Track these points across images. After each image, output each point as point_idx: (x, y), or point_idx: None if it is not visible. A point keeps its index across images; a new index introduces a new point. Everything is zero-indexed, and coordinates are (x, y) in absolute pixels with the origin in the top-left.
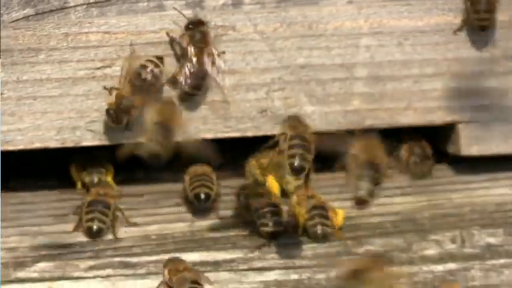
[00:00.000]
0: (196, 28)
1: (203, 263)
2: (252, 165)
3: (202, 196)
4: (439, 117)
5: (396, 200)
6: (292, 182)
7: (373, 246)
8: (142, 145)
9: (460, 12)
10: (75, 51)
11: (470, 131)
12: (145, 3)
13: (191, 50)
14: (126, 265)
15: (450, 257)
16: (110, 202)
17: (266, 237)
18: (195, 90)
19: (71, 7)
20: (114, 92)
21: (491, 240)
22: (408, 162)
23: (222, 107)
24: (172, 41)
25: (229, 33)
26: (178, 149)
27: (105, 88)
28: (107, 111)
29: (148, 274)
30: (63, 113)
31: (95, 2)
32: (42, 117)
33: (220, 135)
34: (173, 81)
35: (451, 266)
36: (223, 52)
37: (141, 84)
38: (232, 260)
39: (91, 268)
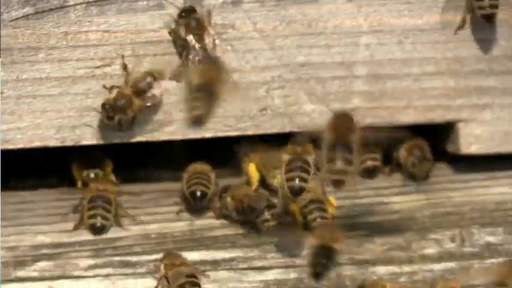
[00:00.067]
0: (189, 16)
1: (203, 262)
2: (249, 164)
3: (198, 194)
4: (439, 116)
5: (396, 199)
6: (277, 177)
7: (373, 245)
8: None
9: (460, 11)
10: (75, 50)
11: (470, 130)
12: (145, 2)
13: (191, 38)
14: (126, 264)
15: (450, 256)
16: (111, 197)
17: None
18: None
19: (70, 6)
20: (115, 90)
21: (491, 239)
22: (407, 163)
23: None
24: (173, 35)
25: (228, 32)
26: None
27: (104, 87)
28: (103, 105)
29: (148, 273)
30: (63, 112)
31: (95, 1)
32: (42, 116)
33: (220, 134)
34: (179, 75)
35: (451, 265)
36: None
37: (142, 91)
38: (231, 259)
39: (91, 267)
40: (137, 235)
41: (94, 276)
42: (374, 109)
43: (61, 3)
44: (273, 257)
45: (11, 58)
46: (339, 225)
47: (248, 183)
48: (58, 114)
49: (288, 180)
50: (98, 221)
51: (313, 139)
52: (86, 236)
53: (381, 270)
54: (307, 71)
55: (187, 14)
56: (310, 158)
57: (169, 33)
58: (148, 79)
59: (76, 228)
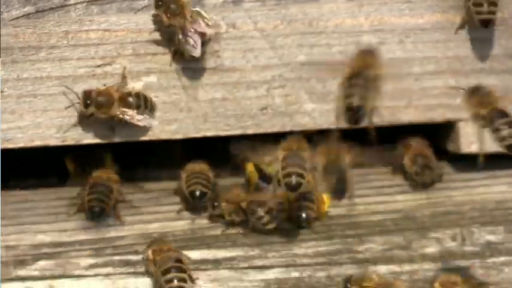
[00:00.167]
0: (166, 1)
1: (204, 261)
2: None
3: (198, 194)
4: (439, 115)
5: (396, 197)
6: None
7: (373, 244)
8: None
9: (460, 10)
10: (76, 49)
11: (471, 129)
12: (146, 1)
13: (176, 20)
14: (127, 263)
15: (450, 255)
16: (112, 184)
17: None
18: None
19: (71, 5)
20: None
21: (492, 238)
22: (411, 172)
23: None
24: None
25: (229, 31)
26: None
27: (105, 86)
28: (85, 92)
29: (149, 272)
30: (64, 111)
31: (95, 0)
32: (43, 115)
33: (221, 133)
34: (176, 53)
35: (451, 264)
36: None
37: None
38: (232, 258)
39: (91, 266)
40: (138, 234)
41: (94, 276)
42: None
43: (62, 2)
44: (274, 256)
45: (12, 57)
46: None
47: (248, 181)
48: (59, 114)
49: (284, 176)
50: (97, 205)
51: (309, 137)
52: (86, 235)
53: (382, 269)
54: (307, 70)
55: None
56: (306, 154)
57: (157, 31)
58: (137, 101)
59: (77, 212)
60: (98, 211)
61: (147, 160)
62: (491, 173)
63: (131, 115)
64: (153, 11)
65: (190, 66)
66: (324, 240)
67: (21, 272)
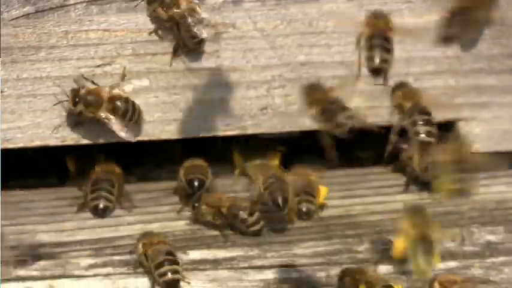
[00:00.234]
0: None
1: (203, 261)
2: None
3: (196, 183)
4: (439, 115)
5: (396, 197)
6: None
7: (373, 244)
8: None
9: None
10: (75, 49)
11: (470, 129)
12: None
13: (172, 12)
14: (127, 263)
15: (450, 255)
16: (114, 180)
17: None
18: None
19: (70, 5)
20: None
21: (491, 238)
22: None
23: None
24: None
25: (229, 31)
26: None
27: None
28: (73, 90)
29: (149, 272)
30: (63, 111)
31: (95, 0)
32: (42, 115)
33: (220, 133)
34: (179, 45)
35: (451, 264)
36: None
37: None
38: (232, 258)
39: (91, 266)
40: (138, 234)
41: (94, 276)
42: (374, 108)
43: (61, 2)
44: (273, 256)
45: (12, 57)
46: None
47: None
48: (58, 114)
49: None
50: (101, 203)
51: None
52: (86, 235)
53: (382, 269)
54: (307, 70)
55: None
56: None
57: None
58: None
59: (80, 210)
60: (102, 209)
61: (146, 160)
62: (490, 173)
63: (115, 123)
64: (149, 10)
65: (190, 66)
66: (323, 241)
67: (21, 272)
